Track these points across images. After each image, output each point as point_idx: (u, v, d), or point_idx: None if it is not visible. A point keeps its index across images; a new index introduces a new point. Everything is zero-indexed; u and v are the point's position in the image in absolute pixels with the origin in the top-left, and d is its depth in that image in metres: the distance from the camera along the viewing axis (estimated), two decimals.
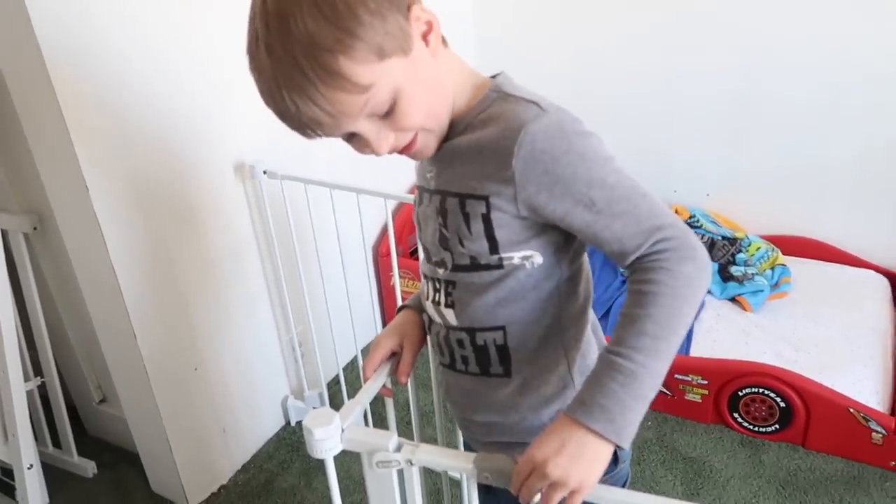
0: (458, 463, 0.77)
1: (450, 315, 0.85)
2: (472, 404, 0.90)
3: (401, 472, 0.83)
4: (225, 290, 1.75)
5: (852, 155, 2.25)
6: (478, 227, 0.76)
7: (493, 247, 0.77)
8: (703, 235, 2.37)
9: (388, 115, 0.72)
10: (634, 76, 2.47)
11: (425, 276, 0.89)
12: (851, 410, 1.70)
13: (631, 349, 0.68)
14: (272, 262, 1.85)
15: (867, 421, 1.68)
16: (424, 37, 0.73)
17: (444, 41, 0.78)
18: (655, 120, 2.50)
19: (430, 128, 0.77)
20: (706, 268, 0.72)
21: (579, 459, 0.66)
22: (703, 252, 0.72)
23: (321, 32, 0.65)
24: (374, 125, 0.73)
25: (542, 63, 2.56)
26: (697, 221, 2.43)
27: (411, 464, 0.78)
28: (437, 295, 0.86)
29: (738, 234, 2.38)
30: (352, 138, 0.75)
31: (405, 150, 0.78)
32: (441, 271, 0.84)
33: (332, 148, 1.99)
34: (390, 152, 0.76)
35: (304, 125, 0.71)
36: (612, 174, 0.72)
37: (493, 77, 0.81)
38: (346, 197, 1.65)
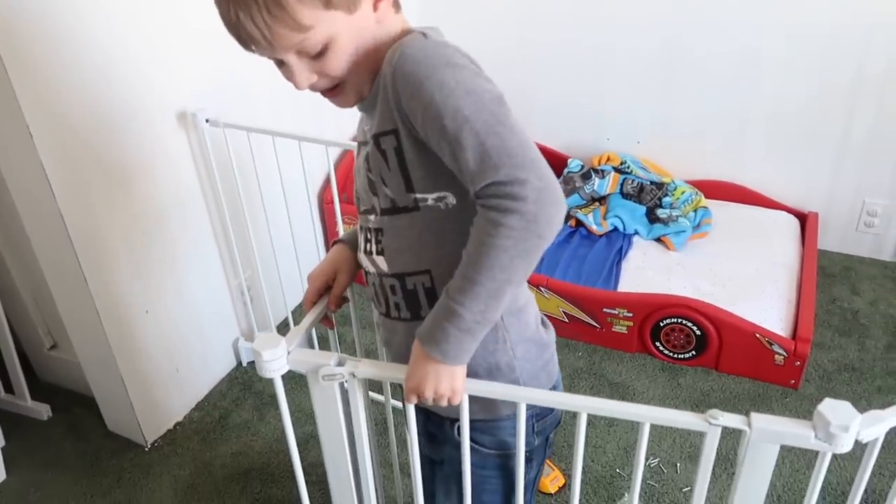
0: (396, 374, 0.87)
1: (381, 262, 0.90)
2: (408, 351, 0.89)
3: (345, 394, 0.93)
4: (172, 237, 1.79)
5: (770, 106, 2.41)
6: (393, 161, 0.81)
7: (409, 185, 0.82)
8: (633, 181, 2.51)
9: (317, 57, 0.78)
10: (569, 27, 2.55)
11: (360, 228, 0.95)
12: (757, 336, 1.88)
13: (455, 290, 0.76)
14: (218, 209, 1.90)
15: (771, 345, 1.87)
16: (375, 3, 0.79)
17: (397, 6, 0.83)
18: (590, 71, 2.60)
19: (352, 82, 0.82)
20: (535, 222, 0.71)
21: (440, 380, 0.81)
22: (533, 205, 0.70)
23: None
24: (301, 62, 0.79)
25: (482, 12, 2.62)
26: (628, 167, 2.57)
27: (354, 376, 0.89)
28: (369, 244, 0.92)
29: (665, 180, 2.53)
30: (280, 65, 0.81)
31: (327, 94, 0.85)
32: (372, 218, 0.90)
33: (274, 96, 2.03)
34: (310, 89, 0.83)
35: (241, 38, 0.77)
36: (469, 106, 0.72)
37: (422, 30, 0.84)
38: (289, 144, 1.71)
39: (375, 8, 0.79)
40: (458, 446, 0.91)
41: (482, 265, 0.73)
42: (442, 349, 0.78)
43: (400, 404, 1.50)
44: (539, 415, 0.96)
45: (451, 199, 0.82)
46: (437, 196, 0.82)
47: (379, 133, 0.81)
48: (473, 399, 0.86)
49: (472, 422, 0.88)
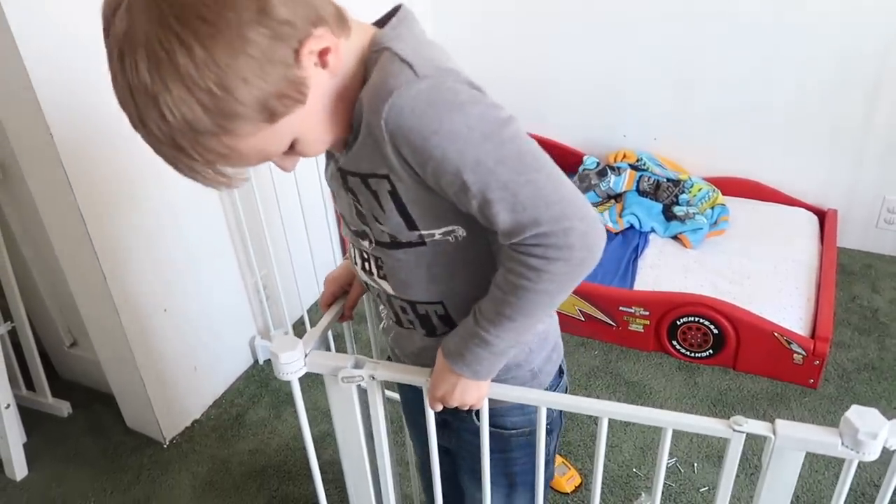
0: (415, 377, 0.87)
1: (385, 286, 0.84)
2: (423, 358, 0.89)
3: (362, 394, 0.93)
4: (190, 235, 1.80)
5: (788, 101, 2.38)
6: (389, 204, 0.72)
7: (411, 224, 0.74)
8: (649, 178, 2.50)
9: (290, 151, 0.69)
10: (584, 23, 2.53)
11: (351, 244, 0.86)
12: (776, 335, 1.87)
13: (489, 323, 0.73)
14: (234, 208, 1.90)
15: (789, 344, 1.86)
16: (322, 62, 0.64)
17: (343, 25, 0.67)
18: (606, 67, 2.58)
19: (332, 144, 0.73)
20: (581, 264, 0.68)
21: (468, 392, 0.81)
22: (579, 250, 0.67)
23: (198, 119, 0.60)
24: (279, 159, 0.70)
25: (497, 6, 2.60)
26: (644, 164, 2.55)
27: (373, 378, 0.89)
28: (368, 265, 0.84)
29: (682, 176, 2.51)
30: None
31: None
32: (365, 244, 0.81)
33: None
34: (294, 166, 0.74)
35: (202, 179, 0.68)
36: (491, 154, 0.64)
37: (386, 18, 0.74)
38: None
39: (324, 65, 0.64)
40: (476, 432, 0.89)
41: (520, 307, 0.71)
42: (473, 369, 0.78)
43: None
44: (552, 385, 0.95)
45: (461, 232, 0.75)
46: (445, 231, 0.75)
47: (366, 174, 0.72)
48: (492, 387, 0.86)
49: (492, 408, 0.87)
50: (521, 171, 0.65)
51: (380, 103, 0.64)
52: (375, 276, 0.84)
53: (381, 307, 0.94)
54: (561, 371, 0.98)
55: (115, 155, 1.56)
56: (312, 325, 2.14)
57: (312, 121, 0.67)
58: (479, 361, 0.77)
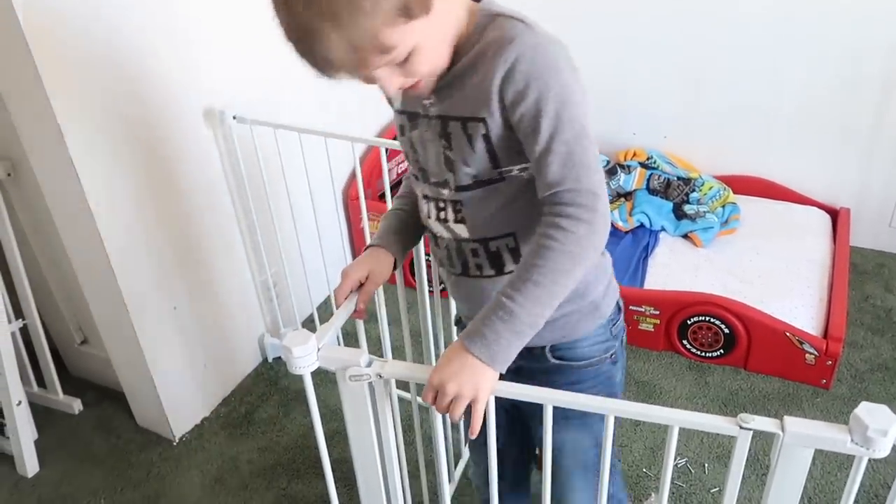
0: (425, 375, 0.87)
1: (461, 230, 0.93)
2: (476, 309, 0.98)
3: (374, 391, 0.93)
4: (200, 233, 1.81)
5: (799, 99, 2.36)
6: (480, 146, 0.84)
7: (495, 163, 0.86)
8: (659, 176, 2.48)
9: (403, 63, 0.78)
10: (592, 21, 2.52)
11: (426, 197, 0.96)
12: (788, 335, 1.85)
13: (516, 292, 0.79)
14: (244, 206, 1.91)
15: (801, 343, 1.84)
16: None
17: None
18: (615, 65, 2.57)
19: (435, 74, 0.83)
20: (598, 233, 0.80)
21: (469, 378, 0.80)
22: (602, 220, 0.80)
23: None
24: (387, 71, 0.79)
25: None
26: (654, 162, 2.53)
27: (381, 377, 0.88)
28: (444, 213, 0.94)
29: (693, 175, 2.49)
30: (366, 78, 0.81)
31: (409, 89, 0.84)
32: (445, 192, 0.92)
33: (300, 93, 2.04)
34: (397, 90, 0.83)
35: (321, 68, 0.77)
36: (567, 114, 0.78)
37: None
38: (315, 141, 1.71)
39: None
40: (555, 370, 0.99)
41: (547, 269, 0.78)
42: (491, 350, 0.79)
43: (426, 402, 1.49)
44: (612, 320, 1.03)
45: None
46: (522, 167, 0.86)
47: (467, 118, 0.84)
48: (556, 326, 0.93)
49: (557, 345, 0.98)
50: (581, 137, 0.79)
51: (502, 49, 0.78)
52: (451, 223, 0.94)
53: (445, 266, 1.00)
54: (619, 307, 1.05)
55: (127, 152, 1.57)
56: (322, 322, 2.15)
57: (431, 38, 0.78)
58: (497, 339, 0.79)
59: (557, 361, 1.00)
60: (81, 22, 1.40)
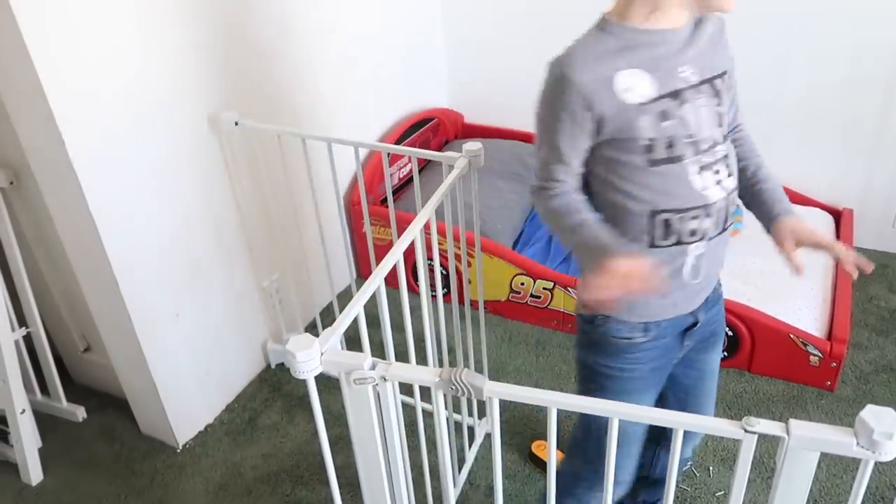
0: (428, 376, 0.87)
1: (731, 182, 1.04)
2: (719, 262, 1.12)
3: (378, 395, 0.93)
4: (203, 239, 1.81)
5: (800, 100, 2.35)
6: (733, 94, 1.08)
7: (733, 109, 1.09)
8: None
9: None
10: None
11: (702, 169, 1.00)
12: (791, 336, 1.84)
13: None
14: (247, 211, 1.91)
15: (805, 345, 1.83)
16: None
17: None
18: None
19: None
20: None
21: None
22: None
23: None
24: None
25: (502, 8, 2.60)
26: None
27: (385, 380, 0.88)
28: (719, 174, 1.02)
29: None
30: None
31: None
32: (719, 149, 1.02)
33: (302, 98, 2.04)
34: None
35: None
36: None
37: None
38: (318, 146, 1.71)
39: None
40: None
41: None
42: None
43: (430, 406, 1.49)
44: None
45: None
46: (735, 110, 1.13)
47: (724, 72, 1.03)
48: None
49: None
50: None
51: (720, 21, 1.04)
52: (724, 180, 1.02)
53: (707, 236, 1.04)
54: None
55: (129, 158, 1.57)
56: (325, 327, 2.15)
57: None
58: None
59: None
60: (84, 27, 1.40)
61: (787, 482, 0.75)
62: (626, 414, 0.78)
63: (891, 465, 1.61)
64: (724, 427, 0.74)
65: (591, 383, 1.17)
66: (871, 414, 0.68)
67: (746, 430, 0.72)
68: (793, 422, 0.71)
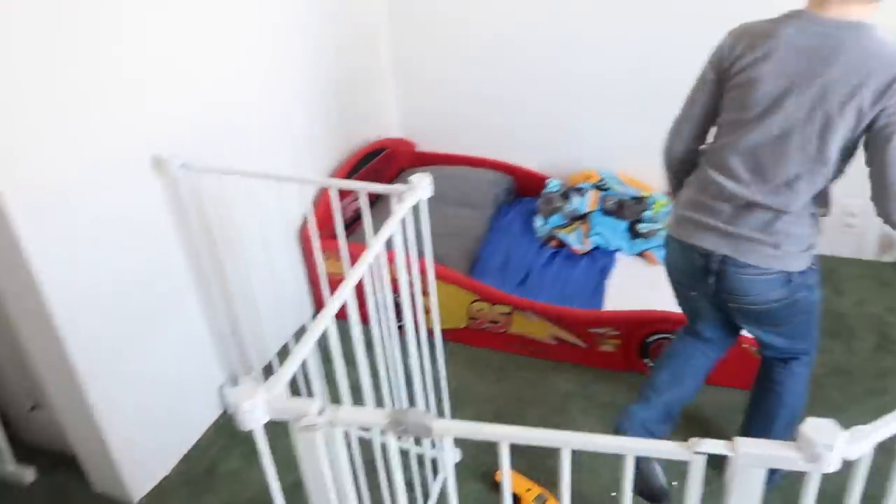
0: (376, 419, 0.85)
1: None
2: None
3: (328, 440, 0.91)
4: (151, 287, 1.77)
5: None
6: None
7: None
8: (612, 197, 2.52)
9: None
10: (544, 48, 2.57)
11: None
12: (745, 346, 1.87)
13: None
14: (197, 256, 1.87)
15: (758, 354, 1.86)
16: None
17: None
18: (566, 99, 2.63)
19: None
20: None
21: None
22: None
23: None
24: None
25: (460, 35, 2.64)
26: (606, 184, 2.57)
27: (332, 425, 0.87)
28: None
29: (644, 194, 2.54)
30: None
31: None
32: None
33: (249, 138, 2.02)
34: None
35: None
36: None
37: None
38: (266, 185, 1.69)
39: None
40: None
41: None
42: None
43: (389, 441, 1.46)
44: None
45: None
46: None
47: None
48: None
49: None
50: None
51: None
52: None
53: None
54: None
55: (72, 207, 1.52)
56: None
57: None
58: None
59: None
60: (22, 67, 1.36)
61: (739, 498, 0.76)
62: (580, 444, 0.78)
63: (850, 466, 1.64)
64: (672, 449, 0.74)
65: (814, 315, 1.62)
66: (812, 427, 0.69)
67: (694, 452, 0.72)
68: (738, 440, 0.72)
